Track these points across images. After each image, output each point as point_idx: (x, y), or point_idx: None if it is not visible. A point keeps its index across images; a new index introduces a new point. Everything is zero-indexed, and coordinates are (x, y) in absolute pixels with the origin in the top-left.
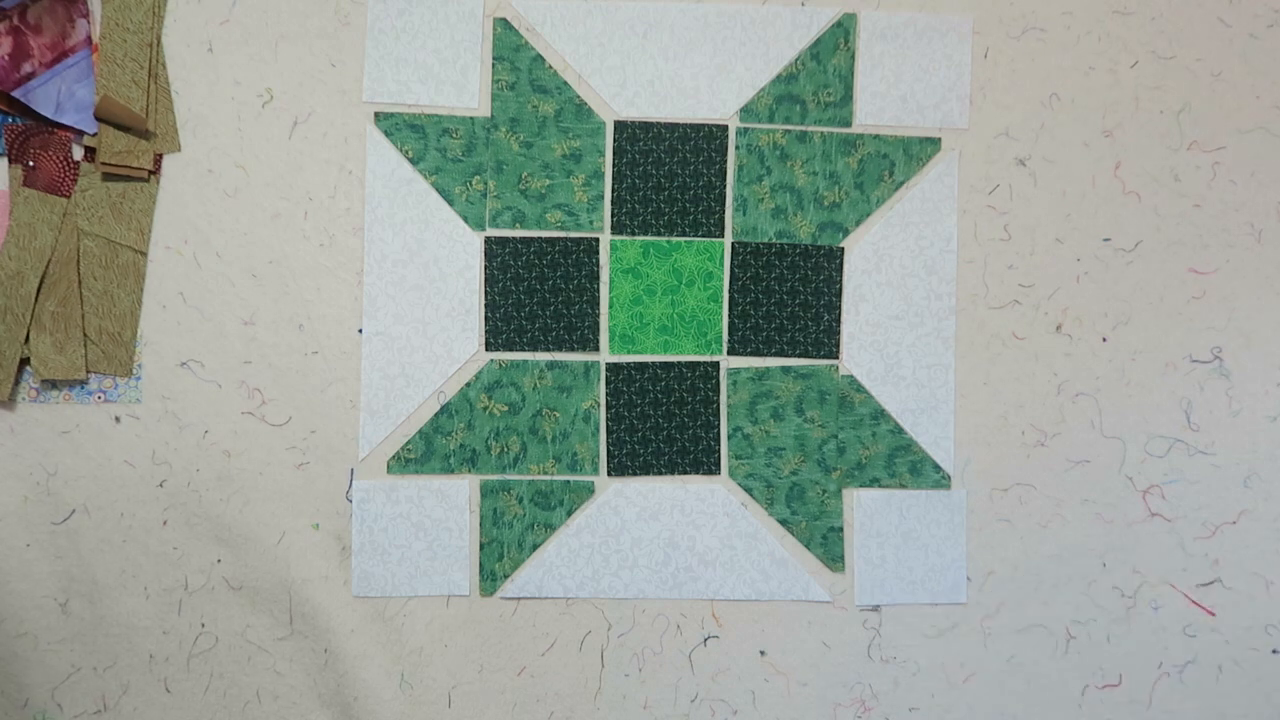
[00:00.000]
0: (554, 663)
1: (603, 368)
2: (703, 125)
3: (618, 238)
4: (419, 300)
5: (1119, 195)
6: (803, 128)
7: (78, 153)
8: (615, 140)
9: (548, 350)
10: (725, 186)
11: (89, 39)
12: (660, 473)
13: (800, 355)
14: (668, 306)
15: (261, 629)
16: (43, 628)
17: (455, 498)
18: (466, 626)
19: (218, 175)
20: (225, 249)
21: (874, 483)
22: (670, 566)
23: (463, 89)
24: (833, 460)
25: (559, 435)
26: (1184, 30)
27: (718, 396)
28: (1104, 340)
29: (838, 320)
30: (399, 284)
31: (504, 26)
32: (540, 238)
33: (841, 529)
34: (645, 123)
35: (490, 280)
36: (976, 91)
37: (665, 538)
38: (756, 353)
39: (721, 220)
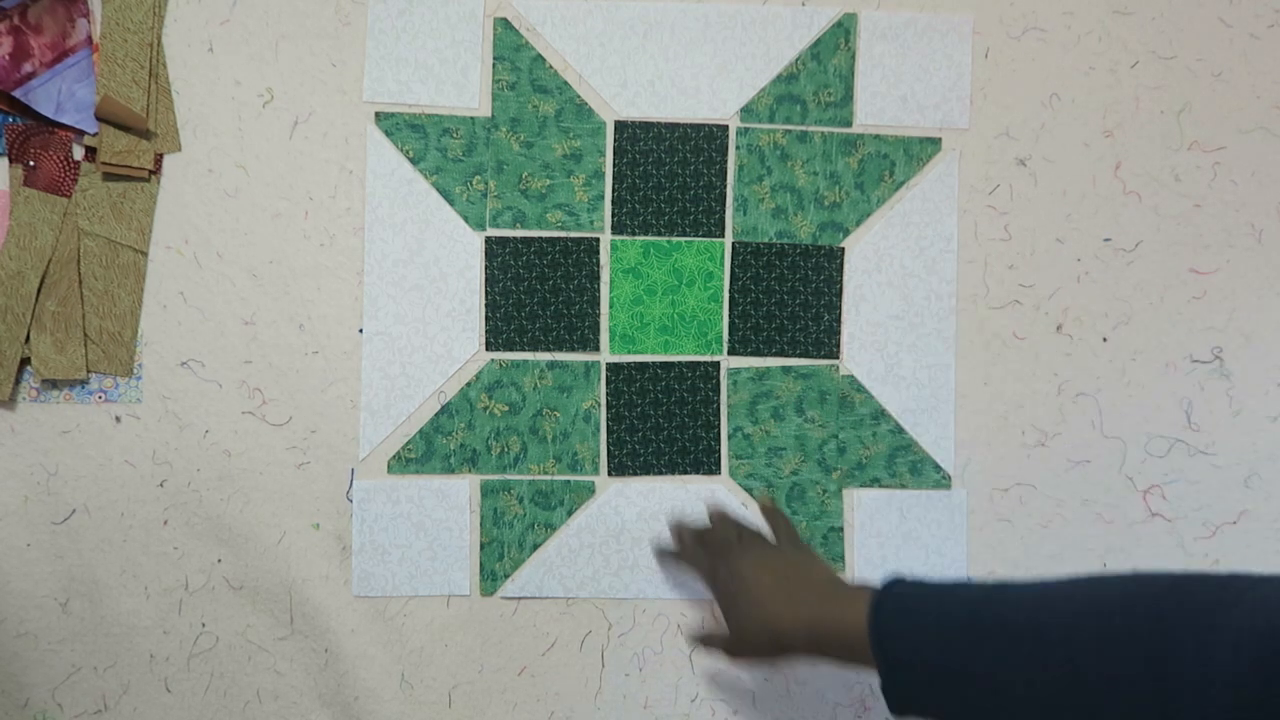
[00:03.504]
0: (554, 662)
1: (603, 368)
2: (703, 125)
3: (618, 238)
4: (419, 300)
5: (1119, 195)
6: (803, 128)
7: (78, 153)
8: (615, 140)
9: (548, 350)
10: (725, 186)
11: (89, 39)
12: (661, 473)
13: (800, 355)
14: (668, 306)
15: (262, 629)
16: (43, 628)
17: (455, 498)
18: (467, 626)
19: (218, 175)
20: (225, 249)
21: (874, 483)
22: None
23: (463, 89)
24: (833, 460)
25: (559, 435)
26: (1184, 30)
27: (718, 396)
28: (1104, 340)
29: (838, 320)
30: (399, 284)
31: (504, 26)
32: (541, 238)
33: (842, 529)
34: (645, 123)
35: (490, 280)
36: (976, 91)
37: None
38: (757, 353)
39: (722, 220)
